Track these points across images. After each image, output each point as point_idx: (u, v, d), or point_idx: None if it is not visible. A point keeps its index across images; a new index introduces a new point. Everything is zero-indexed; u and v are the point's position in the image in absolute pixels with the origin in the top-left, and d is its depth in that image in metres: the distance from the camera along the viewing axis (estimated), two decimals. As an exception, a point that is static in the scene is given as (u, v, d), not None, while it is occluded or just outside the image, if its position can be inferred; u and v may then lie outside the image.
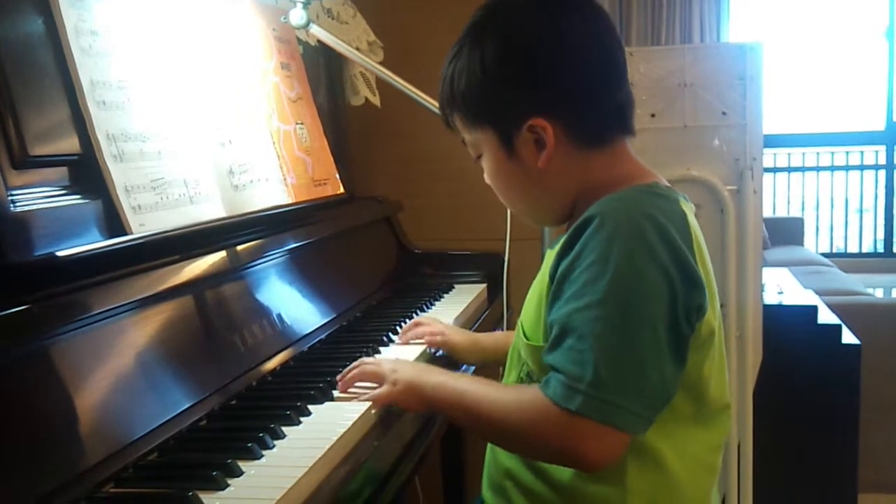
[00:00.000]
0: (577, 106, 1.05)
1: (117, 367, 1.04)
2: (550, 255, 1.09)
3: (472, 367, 1.55)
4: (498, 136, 1.08)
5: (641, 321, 0.94)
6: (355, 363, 1.22)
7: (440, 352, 1.48)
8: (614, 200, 1.01)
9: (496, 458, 1.15)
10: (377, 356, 1.37)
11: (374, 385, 1.18)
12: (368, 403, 1.15)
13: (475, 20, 1.10)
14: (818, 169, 7.09)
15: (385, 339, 1.51)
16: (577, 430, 0.94)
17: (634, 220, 0.97)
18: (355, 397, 1.18)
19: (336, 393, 1.20)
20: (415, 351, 1.43)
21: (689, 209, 1.05)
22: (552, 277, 1.02)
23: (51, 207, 1.09)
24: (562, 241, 1.03)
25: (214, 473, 0.92)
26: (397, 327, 1.55)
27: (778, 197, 7.04)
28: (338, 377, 1.22)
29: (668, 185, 1.09)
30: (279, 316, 1.43)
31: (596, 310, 0.94)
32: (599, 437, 0.94)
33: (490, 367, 1.50)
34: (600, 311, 0.94)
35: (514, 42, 1.05)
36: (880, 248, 6.91)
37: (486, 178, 1.15)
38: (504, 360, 1.40)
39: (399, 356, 1.38)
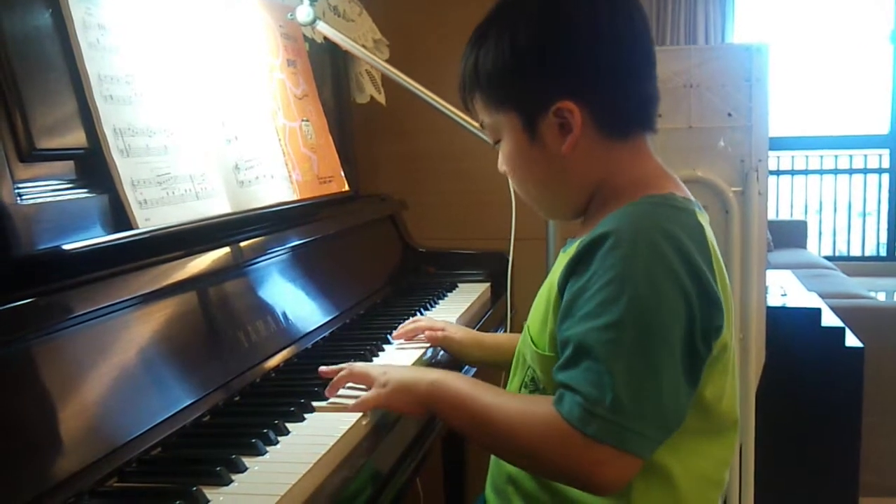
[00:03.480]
0: (607, 92, 1.02)
1: (121, 362, 1.04)
2: (562, 259, 1.06)
3: (474, 370, 1.53)
4: (521, 119, 1.04)
5: (660, 344, 0.91)
6: (343, 367, 1.19)
7: (440, 355, 1.46)
8: (630, 216, 0.97)
9: (499, 461, 1.12)
10: (373, 360, 1.35)
11: (363, 389, 1.15)
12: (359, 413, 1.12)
13: (503, 2, 1.06)
14: (821, 172, 7.09)
15: (388, 336, 1.50)
16: (592, 454, 0.91)
17: (653, 239, 0.93)
18: (343, 406, 1.13)
19: (323, 403, 1.15)
20: (412, 355, 1.41)
21: (704, 220, 1.02)
22: (561, 289, 0.99)
23: (57, 201, 1.09)
24: (573, 251, 0.99)
25: (218, 469, 0.92)
26: (400, 325, 1.54)
27: (781, 199, 7.04)
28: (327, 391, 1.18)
29: (685, 191, 1.05)
30: (283, 313, 1.43)
31: (614, 331, 0.91)
32: (613, 463, 0.91)
33: (490, 369, 1.47)
34: (618, 333, 0.91)
35: (547, 22, 1.01)
36: (883, 252, 6.91)
37: (503, 164, 1.11)
38: (505, 362, 1.37)
39: (395, 360, 1.37)
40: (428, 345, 1.45)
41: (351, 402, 1.14)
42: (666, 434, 0.94)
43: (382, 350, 1.44)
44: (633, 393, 0.90)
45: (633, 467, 0.93)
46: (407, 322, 1.50)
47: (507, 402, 1.01)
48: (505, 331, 1.88)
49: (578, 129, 1.01)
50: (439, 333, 1.44)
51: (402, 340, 1.48)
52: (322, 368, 1.21)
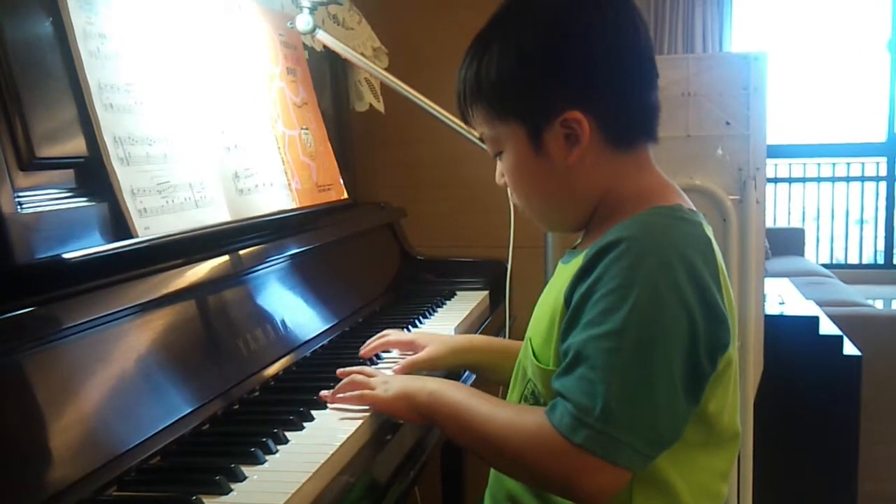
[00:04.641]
0: (615, 102, 1.01)
1: (121, 370, 1.04)
2: (563, 270, 1.06)
3: (472, 377, 1.53)
4: (526, 130, 1.02)
5: (658, 357, 0.90)
6: (346, 378, 1.19)
7: None
8: (639, 225, 0.96)
9: (499, 476, 1.11)
10: (372, 367, 1.35)
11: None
12: (369, 412, 1.14)
13: (506, 10, 1.04)
14: (819, 180, 7.11)
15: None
16: (579, 463, 0.91)
17: (661, 251, 0.92)
18: (344, 398, 1.15)
19: (323, 412, 1.16)
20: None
21: (710, 232, 1.01)
22: (567, 301, 0.98)
23: (57, 209, 1.10)
24: (580, 262, 0.97)
25: (218, 478, 0.92)
26: (368, 341, 1.49)
27: (779, 207, 7.06)
28: (321, 394, 1.19)
29: (689, 203, 1.04)
30: (282, 321, 1.43)
31: (612, 340, 0.90)
32: (600, 473, 0.90)
33: (478, 373, 1.46)
34: (616, 343, 0.90)
35: (556, 30, 0.99)
36: (880, 260, 6.92)
37: (505, 176, 1.09)
38: (482, 365, 1.38)
39: (392, 370, 1.36)
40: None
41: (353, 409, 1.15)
42: (658, 449, 0.93)
43: (381, 358, 1.44)
44: (626, 404, 0.89)
45: (620, 479, 0.92)
46: (374, 338, 1.44)
47: (501, 411, 1.01)
48: (504, 338, 1.88)
49: (586, 141, 1.00)
50: (420, 358, 1.36)
51: (397, 352, 1.44)
52: (323, 393, 1.20)
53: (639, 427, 0.90)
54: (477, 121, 1.08)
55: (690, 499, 1.00)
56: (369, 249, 2.01)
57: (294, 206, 1.64)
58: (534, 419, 0.96)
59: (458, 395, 1.06)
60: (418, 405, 1.09)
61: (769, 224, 6.47)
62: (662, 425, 0.92)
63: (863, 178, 6.99)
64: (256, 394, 1.25)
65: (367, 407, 1.15)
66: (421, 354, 1.36)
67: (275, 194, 1.58)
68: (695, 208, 1.04)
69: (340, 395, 1.17)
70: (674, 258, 0.92)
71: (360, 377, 1.18)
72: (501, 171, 1.10)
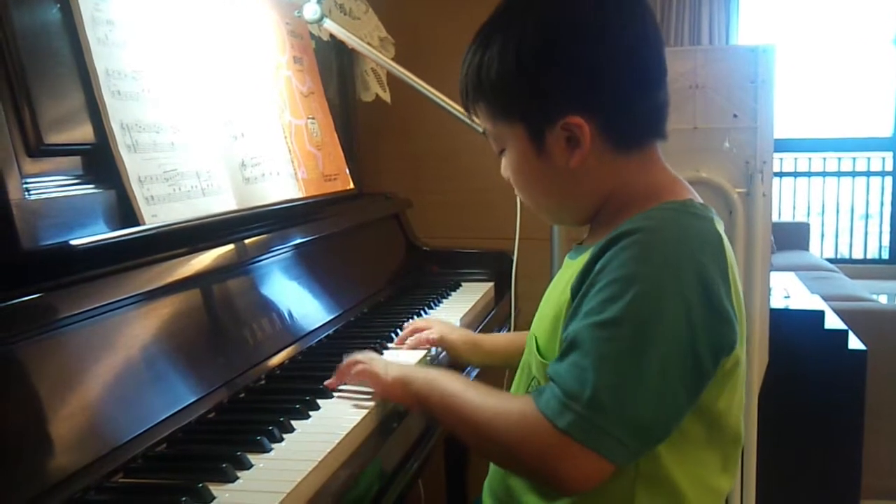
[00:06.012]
0: (618, 105, 0.97)
1: (127, 358, 1.04)
2: (569, 266, 1.05)
3: (476, 371, 1.53)
4: (527, 131, 1.00)
5: (654, 352, 0.88)
6: (347, 361, 1.20)
7: (442, 356, 1.46)
8: (650, 219, 0.94)
9: (499, 469, 1.10)
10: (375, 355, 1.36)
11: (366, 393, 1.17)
12: (374, 401, 1.15)
13: (509, 4, 1.01)
14: (824, 174, 7.09)
15: (392, 335, 1.50)
16: (559, 448, 0.89)
17: (669, 247, 0.91)
18: (350, 398, 1.16)
19: (329, 400, 1.18)
20: (416, 355, 1.40)
21: (721, 228, 0.99)
22: (574, 295, 0.96)
23: (65, 196, 1.09)
24: (586, 258, 0.96)
25: (224, 466, 0.92)
26: (404, 324, 1.54)
27: (784, 201, 7.04)
28: (326, 382, 1.20)
29: (701, 200, 1.01)
30: (288, 310, 1.43)
31: (608, 330, 0.89)
32: (581, 461, 0.88)
33: (494, 370, 1.47)
34: (612, 333, 0.89)
35: (556, 31, 0.96)
36: (885, 255, 6.91)
37: (508, 173, 1.08)
38: (506, 363, 1.36)
39: (398, 360, 1.37)
40: (426, 352, 1.43)
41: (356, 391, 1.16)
42: (645, 444, 0.91)
43: (386, 348, 1.44)
44: (615, 395, 0.88)
45: (600, 469, 0.89)
46: (407, 328, 1.48)
47: (490, 398, 1.00)
48: (508, 330, 1.88)
49: (587, 145, 0.98)
50: (434, 335, 1.42)
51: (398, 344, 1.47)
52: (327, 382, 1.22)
53: (627, 420, 0.88)
54: (480, 117, 1.07)
55: (693, 494, 0.98)
56: (375, 240, 2.01)
57: (300, 195, 1.64)
58: (519, 402, 0.95)
59: (452, 383, 1.05)
60: (415, 390, 1.08)
61: (774, 218, 6.43)
62: (652, 420, 0.90)
63: (868, 173, 6.98)
64: (262, 383, 1.25)
65: (370, 396, 1.16)
66: (445, 338, 1.42)
67: (281, 183, 1.58)
68: (705, 203, 1.02)
69: (341, 388, 1.18)
70: (681, 255, 0.91)
71: (362, 356, 1.19)
72: (506, 166, 1.09)
